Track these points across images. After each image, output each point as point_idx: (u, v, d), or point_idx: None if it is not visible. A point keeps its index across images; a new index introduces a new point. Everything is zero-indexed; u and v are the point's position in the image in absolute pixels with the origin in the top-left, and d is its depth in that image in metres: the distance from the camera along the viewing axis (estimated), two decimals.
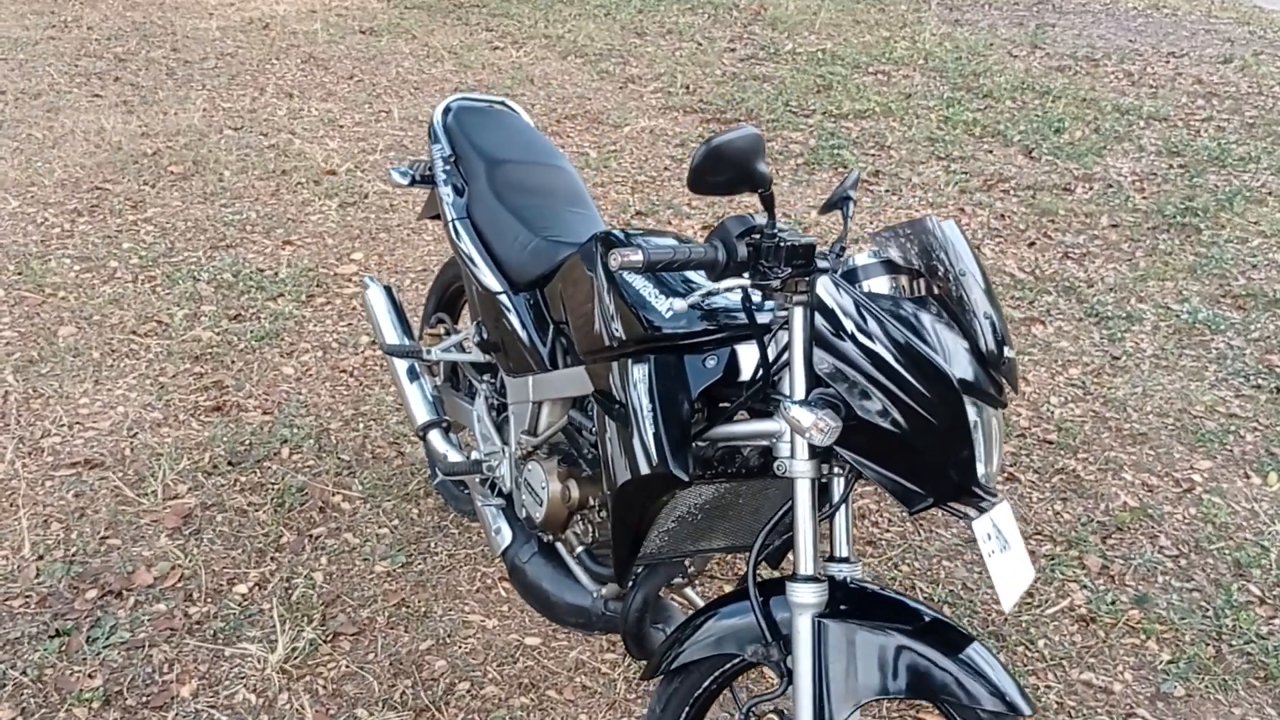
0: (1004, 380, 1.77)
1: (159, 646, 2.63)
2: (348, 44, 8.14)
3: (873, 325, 1.69)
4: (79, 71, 7.19)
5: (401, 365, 2.90)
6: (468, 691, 2.56)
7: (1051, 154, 6.30)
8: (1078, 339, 4.32)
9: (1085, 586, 2.96)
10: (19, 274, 4.43)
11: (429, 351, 2.84)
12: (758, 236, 1.77)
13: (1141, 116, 6.97)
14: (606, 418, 2.08)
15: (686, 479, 1.89)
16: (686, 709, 2.00)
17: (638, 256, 1.71)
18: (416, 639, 2.71)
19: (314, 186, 5.47)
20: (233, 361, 3.88)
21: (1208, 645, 2.77)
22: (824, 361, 1.72)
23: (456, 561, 2.98)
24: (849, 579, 1.89)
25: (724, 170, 1.68)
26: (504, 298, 2.54)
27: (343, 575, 2.91)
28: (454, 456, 2.74)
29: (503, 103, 3.07)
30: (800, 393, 1.76)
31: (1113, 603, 2.90)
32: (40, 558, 2.89)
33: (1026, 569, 1.76)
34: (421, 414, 2.83)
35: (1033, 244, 5.19)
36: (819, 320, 1.73)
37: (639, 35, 8.67)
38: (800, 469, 1.81)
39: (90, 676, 2.53)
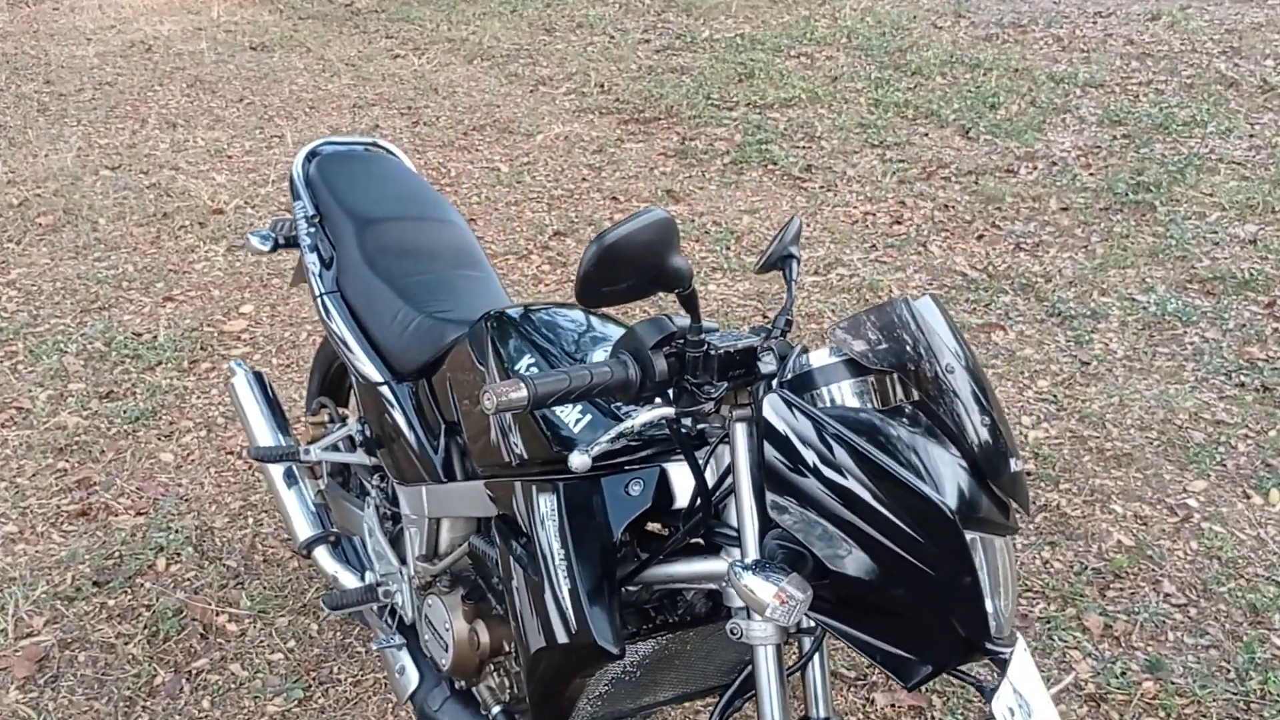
0: (1011, 500, 1.38)
1: None
2: (237, 63, 7.61)
3: (840, 453, 1.29)
4: None
5: (277, 470, 2.45)
6: None
7: (990, 132, 5.96)
8: (1042, 344, 3.96)
9: (1089, 654, 2.59)
10: None
11: (308, 451, 2.40)
12: (680, 344, 1.36)
13: (1077, 84, 6.65)
14: (511, 559, 1.66)
15: (616, 652, 1.48)
16: None
17: (520, 393, 1.29)
18: None
19: (199, 229, 4.97)
20: (102, 451, 3.39)
21: None
22: (781, 506, 1.32)
23: (363, 691, 2.54)
24: None
25: (625, 274, 1.27)
26: (386, 390, 2.11)
27: None
28: (346, 578, 2.30)
29: (375, 143, 2.62)
30: (752, 551, 1.35)
31: (1123, 673, 2.53)
32: None
33: None
34: (303, 528, 2.39)
35: (981, 236, 4.83)
36: (770, 452, 1.32)
37: (548, 32, 8.21)
38: (760, 634, 1.41)
39: None
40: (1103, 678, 2.53)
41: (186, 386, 3.75)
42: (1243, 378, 3.70)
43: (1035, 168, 5.53)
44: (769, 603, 1.26)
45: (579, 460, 1.34)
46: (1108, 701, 2.47)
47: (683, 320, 1.37)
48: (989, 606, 1.33)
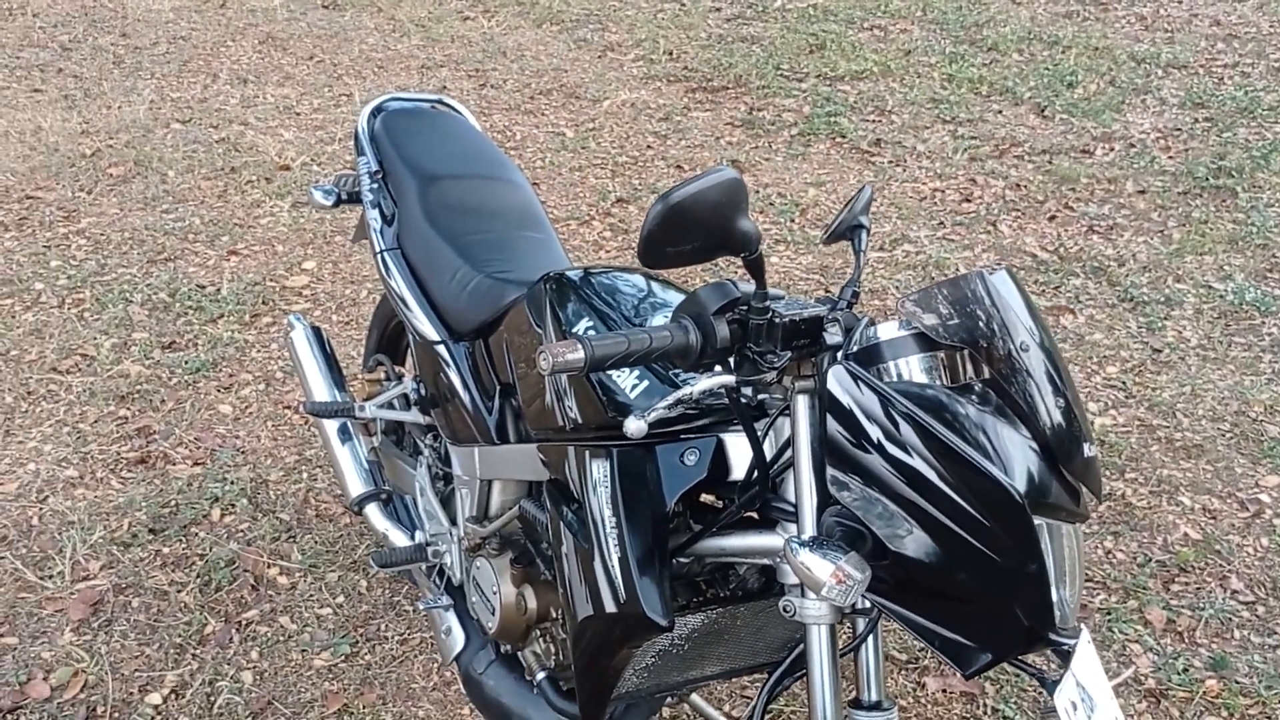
0: (1082, 485, 1.32)
1: None
2: (309, 20, 7.62)
3: (906, 430, 1.24)
4: (20, 64, 6.67)
5: (331, 426, 2.45)
6: None
7: (1065, 112, 5.80)
8: (1113, 329, 3.86)
9: (1150, 649, 2.52)
10: None
11: (362, 408, 2.39)
12: (744, 310, 1.31)
13: (1159, 65, 6.45)
14: (561, 524, 1.63)
15: (664, 624, 1.45)
16: None
17: (577, 354, 1.25)
18: None
19: (265, 184, 4.99)
20: (163, 401, 3.42)
21: None
22: (841, 482, 1.27)
23: (410, 649, 2.54)
24: None
25: (691, 234, 1.22)
26: (443, 349, 2.09)
27: (276, 674, 2.47)
28: (396, 536, 2.30)
29: (441, 101, 2.59)
30: (810, 527, 1.31)
31: (1185, 670, 2.46)
32: None
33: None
34: (356, 485, 2.38)
35: (1054, 218, 4.71)
36: (832, 425, 1.27)
37: None
38: (814, 612, 1.37)
39: None
40: (1164, 673, 2.46)
41: (247, 340, 3.77)
42: None
43: (1112, 149, 5.38)
44: (825, 581, 1.22)
45: (634, 426, 1.30)
46: (1168, 698, 2.40)
47: (747, 287, 1.33)
48: (1054, 595, 1.28)
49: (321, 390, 2.49)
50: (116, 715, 2.36)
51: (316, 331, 2.62)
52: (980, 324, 1.28)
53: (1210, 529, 2.90)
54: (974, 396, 1.27)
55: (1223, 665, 2.47)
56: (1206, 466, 3.14)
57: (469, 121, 2.56)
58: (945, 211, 4.78)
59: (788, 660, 1.53)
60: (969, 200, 4.88)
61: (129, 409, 3.39)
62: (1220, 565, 2.78)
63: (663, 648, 1.63)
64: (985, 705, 2.39)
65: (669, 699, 1.91)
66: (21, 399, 3.44)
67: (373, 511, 2.35)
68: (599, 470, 1.56)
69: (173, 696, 2.41)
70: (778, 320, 1.30)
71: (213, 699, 2.40)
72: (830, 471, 1.28)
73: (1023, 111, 5.87)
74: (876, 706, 1.45)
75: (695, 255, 1.25)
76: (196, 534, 2.87)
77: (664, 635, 1.54)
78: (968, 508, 1.23)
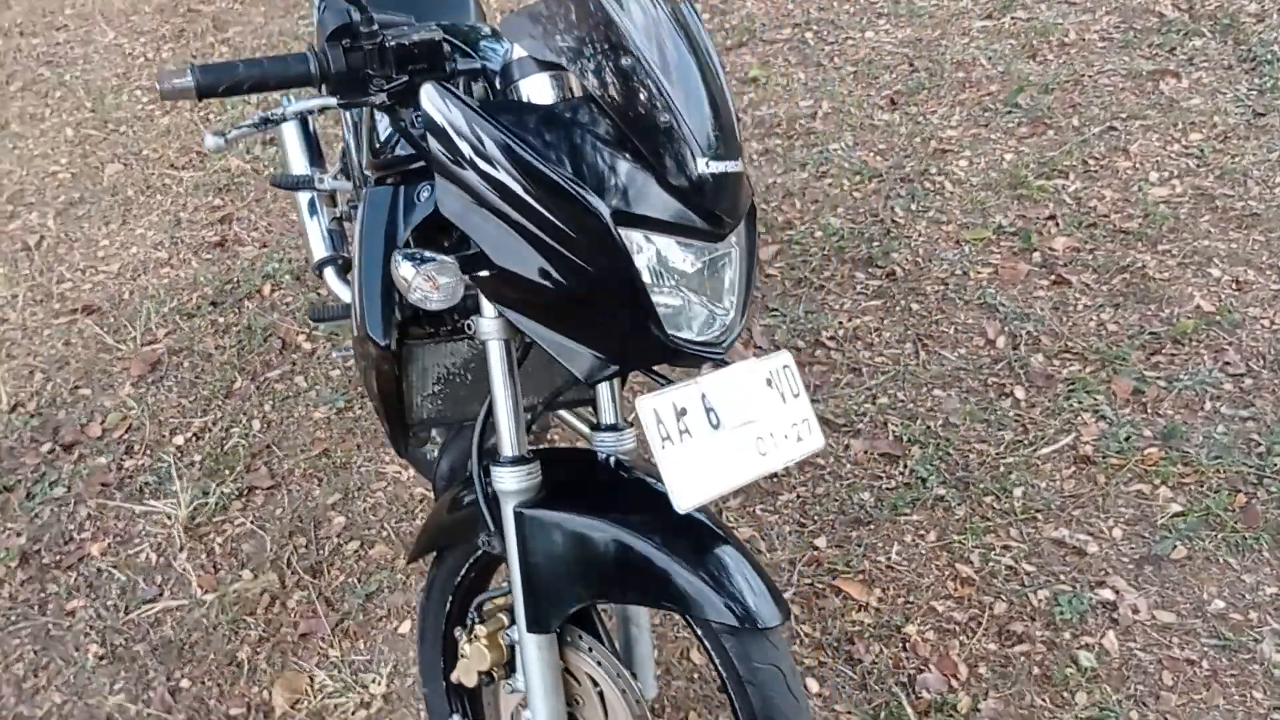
0: (711, 205, 1.32)
1: (85, 503, 2.63)
2: None
3: (491, 146, 1.28)
4: None
5: (302, 199, 2.67)
6: (355, 551, 2.41)
7: None
8: (1216, 94, 3.51)
9: (1103, 417, 2.44)
10: (93, 110, 4.47)
11: (321, 180, 2.59)
12: (356, 36, 1.37)
13: None
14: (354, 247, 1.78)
15: (383, 344, 1.59)
16: (450, 597, 1.76)
17: (186, 80, 1.35)
18: (326, 492, 2.57)
19: None
20: (249, 192, 3.77)
21: (1236, 493, 2.22)
22: (451, 196, 1.34)
23: None
24: (613, 455, 1.55)
25: None
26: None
27: (281, 423, 2.80)
28: (344, 296, 2.52)
29: None
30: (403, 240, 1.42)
31: (1128, 439, 2.37)
32: (14, 409, 2.94)
33: (751, 461, 1.36)
34: (319, 250, 2.59)
35: None
36: (434, 144, 1.33)
37: None
38: (487, 329, 1.47)
39: (17, 535, 2.56)
40: (1104, 442, 2.38)
41: (337, 135, 4.05)
42: None
43: None
44: (418, 285, 1.31)
45: (211, 141, 1.42)
46: (1097, 465, 2.33)
47: (383, 16, 1.38)
48: (669, 324, 1.31)
49: (300, 167, 2.71)
50: (147, 452, 2.76)
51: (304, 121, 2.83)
52: (593, 38, 1.28)
53: (1230, 300, 2.70)
54: (586, 111, 1.29)
55: (1172, 435, 2.36)
56: (1257, 237, 2.89)
57: None
58: None
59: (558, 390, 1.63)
60: None
61: (222, 199, 3.77)
62: (1222, 338, 2.60)
63: (439, 375, 1.76)
64: (905, 466, 2.40)
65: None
66: (141, 192, 3.88)
67: (329, 274, 2.56)
68: (362, 205, 1.68)
69: (193, 438, 2.78)
70: (388, 44, 1.35)
71: (225, 441, 2.76)
72: (441, 185, 1.33)
73: None
74: (612, 428, 1.54)
75: None
76: (248, 306, 3.22)
77: (427, 356, 1.68)
78: (555, 220, 1.27)
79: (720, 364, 1.40)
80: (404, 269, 1.32)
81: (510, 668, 1.61)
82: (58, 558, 2.51)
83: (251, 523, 2.52)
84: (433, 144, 1.32)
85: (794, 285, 3.02)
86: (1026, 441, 2.42)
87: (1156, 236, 2.94)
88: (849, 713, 1.95)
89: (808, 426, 1.43)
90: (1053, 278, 2.86)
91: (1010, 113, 3.59)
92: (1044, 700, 1.91)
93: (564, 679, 1.60)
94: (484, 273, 1.34)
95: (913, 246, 3.11)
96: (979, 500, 2.30)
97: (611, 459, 1.54)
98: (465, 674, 1.63)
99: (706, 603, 1.36)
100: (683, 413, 1.33)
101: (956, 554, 2.21)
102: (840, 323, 2.86)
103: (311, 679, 2.14)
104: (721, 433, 1.35)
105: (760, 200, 3.39)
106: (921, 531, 2.27)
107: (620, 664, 1.57)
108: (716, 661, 1.43)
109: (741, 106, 3.92)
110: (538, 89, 1.33)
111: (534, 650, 1.53)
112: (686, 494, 1.30)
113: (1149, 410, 2.45)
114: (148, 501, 2.59)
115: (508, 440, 1.50)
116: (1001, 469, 2.37)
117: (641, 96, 1.28)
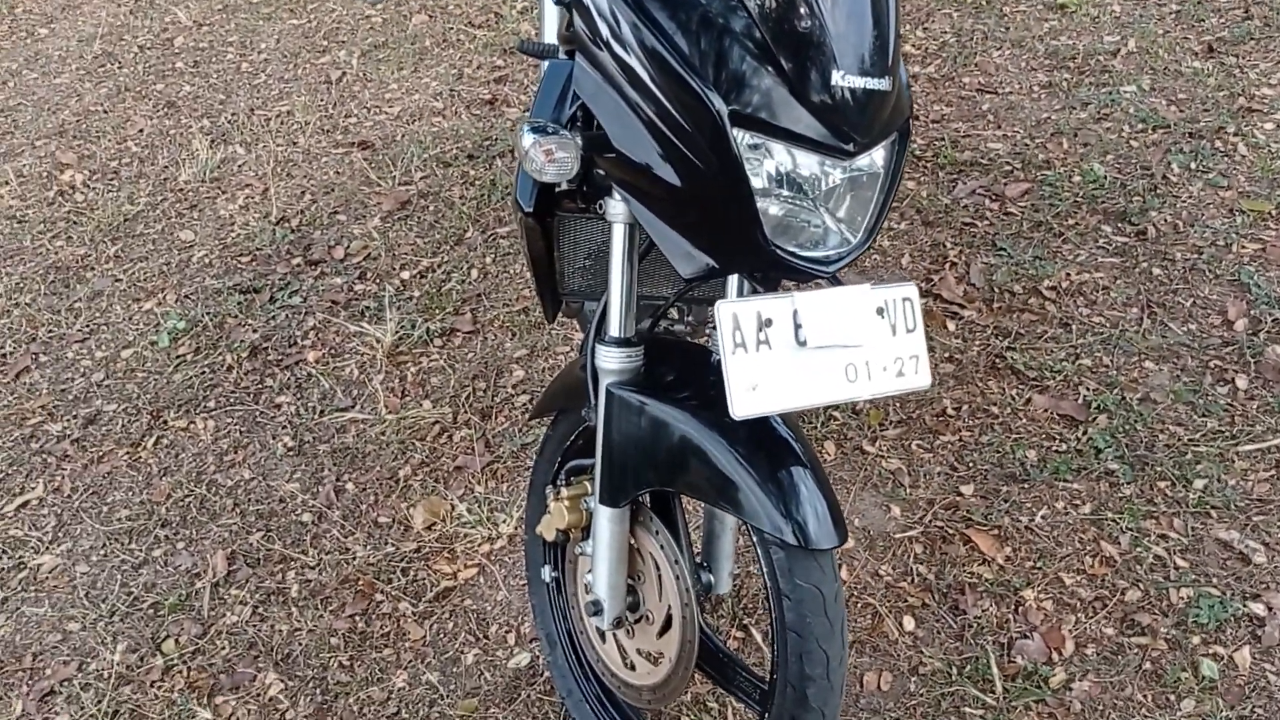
0: (846, 125, 1.29)
1: (314, 315, 2.89)
2: None
3: (625, 28, 1.31)
4: None
5: (546, 68, 2.76)
6: (523, 404, 2.54)
7: None
8: None
9: None
10: None
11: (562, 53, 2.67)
12: None
13: None
14: None
15: (527, 209, 1.66)
16: (559, 458, 1.84)
17: None
18: (515, 346, 2.71)
19: None
20: (530, 58, 3.92)
21: None
22: (583, 74, 1.39)
23: None
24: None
25: None
26: None
27: (496, 275, 2.95)
28: None
29: None
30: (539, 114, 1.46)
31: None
32: (280, 221, 3.25)
33: (834, 384, 1.33)
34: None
35: None
36: (578, 23, 1.37)
37: None
38: (614, 211, 1.51)
39: (253, 330, 2.86)
40: None
41: None
42: None
43: None
44: (536, 157, 1.37)
45: None
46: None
47: None
48: (771, 235, 1.30)
49: (550, 35, 2.80)
50: (376, 280, 2.99)
51: None
52: None
53: None
54: (730, 9, 1.28)
55: None
56: None
57: None
58: None
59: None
60: None
61: (505, 60, 3.94)
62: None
63: (591, 250, 1.82)
64: (1084, 432, 2.27)
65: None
66: (437, 44, 4.12)
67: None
68: (542, 76, 1.74)
69: (418, 276, 2.99)
70: None
71: (444, 284, 2.95)
72: (579, 62, 1.38)
73: None
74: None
75: None
76: (498, 164, 3.39)
77: (579, 231, 1.75)
78: (673, 111, 1.29)
79: (834, 283, 1.38)
80: (525, 139, 1.38)
81: (586, 532, 1.69)
82: (280, 357, 2.78)
83: (444, 360, 2.70)
84: (577, 20, 1.36)
85: (1031, 228, 2.86)
86: (1229, 434, 2.22)
87: None
88: (934, 658, 1.90)
89: (915, 363, 1.37)
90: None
91: None
92: (1145, 697, 1.80)
93: (631, 554, 1.66)
94: (607, 154, 1.37)
95: (1177, 208, 2.87)
96: (1152, 483, 2.14)
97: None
98: (546, 529, 1.72)
99: (764, 513, 1.37)
100: (767, 323, 1.31)
101: (1106, 531, 2.08)
102: (1068, 274, 2.70)
103: (452, 507, 2.30)
104: (805, 351, 1.32)
105: (1025, 136, 3.21)
106: (1077, 501, 2.14)
107: (681, 553, 1.60)
108: (763, 568, 1.44)
109: (1039, 34, 3.69)
110: None
111: (604, 521, 1.60)
112: (745, 402, 1.29)
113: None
114: (363, 324, 2.83)
115: (615, 321, 1.54)
116: (1190, 457, 2.19)
117: (821, 7, 1.25)
